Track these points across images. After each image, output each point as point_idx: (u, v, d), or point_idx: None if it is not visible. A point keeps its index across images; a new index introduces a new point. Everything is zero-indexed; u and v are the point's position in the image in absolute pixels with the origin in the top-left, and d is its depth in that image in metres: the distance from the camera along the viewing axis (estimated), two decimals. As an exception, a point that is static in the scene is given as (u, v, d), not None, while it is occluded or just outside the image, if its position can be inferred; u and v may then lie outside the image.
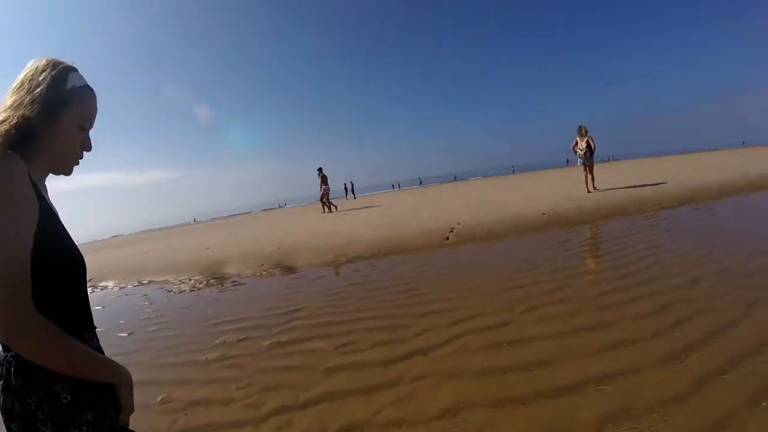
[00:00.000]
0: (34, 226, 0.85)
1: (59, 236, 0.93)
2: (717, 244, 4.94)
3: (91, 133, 1.04)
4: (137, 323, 5.19)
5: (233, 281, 7.03)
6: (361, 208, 16.38)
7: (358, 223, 10.81)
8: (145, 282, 8.28)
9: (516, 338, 3.08)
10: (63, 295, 0.92)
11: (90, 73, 1.03)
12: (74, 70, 0.99)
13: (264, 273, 7.32)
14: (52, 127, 0.94)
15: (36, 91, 0.91)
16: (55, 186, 1.05)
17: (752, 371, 2.26)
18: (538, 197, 10.93)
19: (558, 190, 12.34)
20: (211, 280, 7.33)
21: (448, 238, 7.66)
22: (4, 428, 0.88)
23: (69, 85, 0.96)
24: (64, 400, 0.86)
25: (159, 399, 2.98)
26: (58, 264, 0.91)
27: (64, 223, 0.97)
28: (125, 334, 4.77)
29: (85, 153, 1.04)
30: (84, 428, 0.88)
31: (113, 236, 38.46)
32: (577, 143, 10.65)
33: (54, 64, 0.96)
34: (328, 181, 15.86)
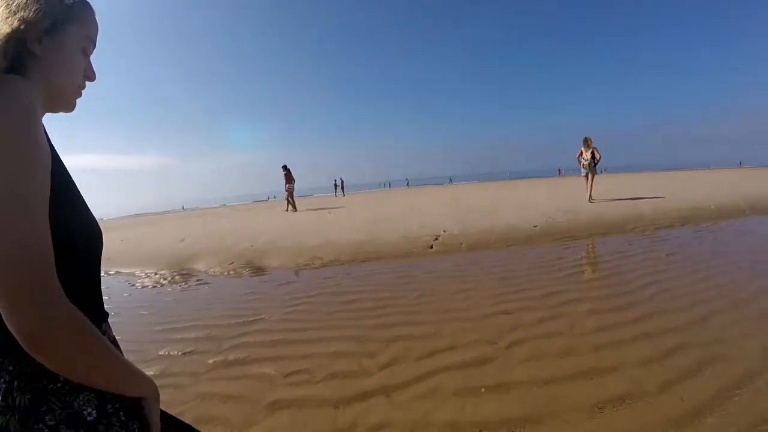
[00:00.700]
0: (49, 183, 0.65)
1: (75, 199, 0.73)
2: (724, 275, 4.49)
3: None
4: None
5: (198, 279, 6.48)
6: (346, 207, 15.86)
7: (341, 224, 10.28)
8: (112, 273, 7.66)
9: (497, 381, 2.58)
10: (79, 276, 0.72)
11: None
12: None
13: (232, 272, 6.77)
14: (51, 51, 0.73)
15: (27, 3, 0.70)
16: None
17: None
18: (531, 207, 10.50)
19: (551, 200, 11.92)
20: (177, 277, 6.77)
21: (432, 247, 7.16)
22: None
23: None
24: (88, 418, 0.66)
25: None
26: (74, 235, 0.71)
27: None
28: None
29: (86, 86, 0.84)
30: None
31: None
32: (581, 153, 10.86)
33: None
34: (293, 179, 15.51)
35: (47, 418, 0.63)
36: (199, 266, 7.38)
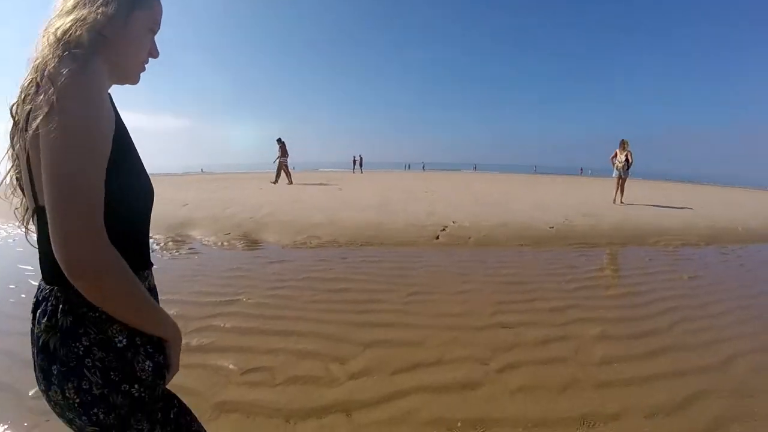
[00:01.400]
0: (111, 142, 0.76)
1: (132, 160, 0.83)
2: (750, 309, 4.00)
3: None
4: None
5: (190, 248, 6.19)
6: (360, 184, 15.46)
7: (349, 202, 9.91)
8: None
9: (479, 415, 2.20)
10: (128, 227, 0.83)
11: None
12: None
13: (226, 244, 6.46)
14: (121, 31, 0.83)
15: None
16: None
17: None
18: (550, 206, 9.93)
19: (572, 201, 11.31)
20: (170, 243, 6.49)
21: (438, 237, 6.74)
22: (39, 370, 0.77)
23: None
24: (118, 344, 0.78)
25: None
26: (129, 190, 0.82)
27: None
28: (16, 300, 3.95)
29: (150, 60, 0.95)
30: (136, 386, 0.79)
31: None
32: (616, 155, 10.93)
33: None
34: (287, 151, 15.31)
35: (83, 339, 0.75)
36: (195, 234, 7.09)
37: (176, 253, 5.86)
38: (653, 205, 10.96)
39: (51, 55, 0.73)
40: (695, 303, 4.12)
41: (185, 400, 0.97)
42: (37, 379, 0.79)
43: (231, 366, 2.68)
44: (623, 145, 10.84)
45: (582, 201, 11.32)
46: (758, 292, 4.59)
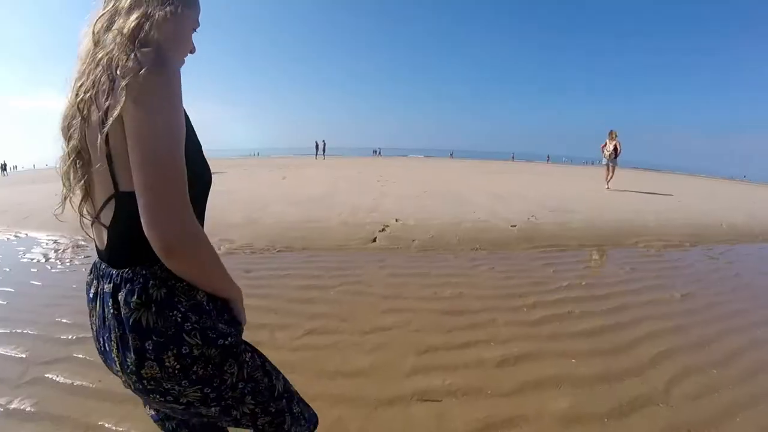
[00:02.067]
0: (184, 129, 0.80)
1: (198, 145, 0.90)
2: (764, 347, 2.91)
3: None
4: None
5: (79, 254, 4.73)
6: (310, 172, 14.02)
7: (286, 193, 8.52)
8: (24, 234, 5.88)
9: None
10: (198, 203, 0.86)
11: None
12: None
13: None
14: (177, 28, 0.87)
15: None
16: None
17: None
18: (515, 199, 8.76)
19: (543, 192, 10.20)
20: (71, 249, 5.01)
21: (375, 240, 5.45)
22: (132, 351, 0.78)
23: None
24: (206, 307, 0.85)
25: None
26: (196, 173, 0.84)
27: None
28: None
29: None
30: (230, 338, 0.87)
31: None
32: (605, 144, 11.49)
33: None
34: None
35: (179, 306, 0.81)
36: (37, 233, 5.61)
37: (70, 263, 4.40)
38: (635, 191, 11.20)
39: (123, 52, 0.75)
40: (695, 340, 3.01)
41: None
42: (123, 364, 0.80)
43: None
44: (612, 135, 11.37)
45: (554, 194, 10.24)
46: (758, 313, 3.53)
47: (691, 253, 5.70)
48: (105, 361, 0.87)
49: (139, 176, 0.72)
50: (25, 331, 2.90)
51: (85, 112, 0.78)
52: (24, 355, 2.58)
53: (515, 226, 6.29)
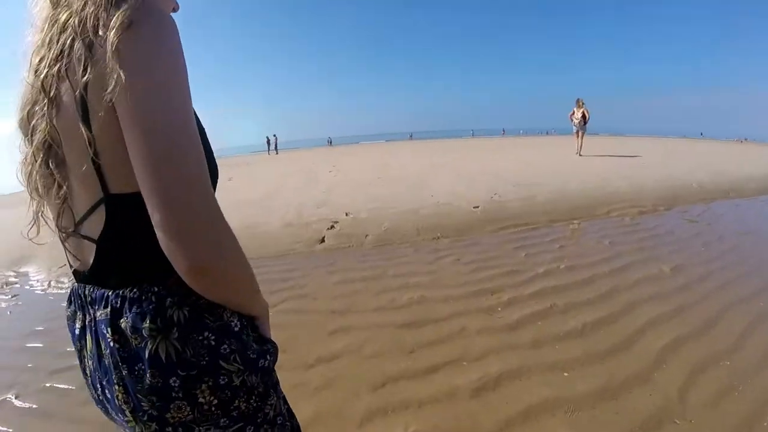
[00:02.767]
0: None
1: (202, 130, 0.65)
2: (761, 313, 2.48)
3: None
4: None
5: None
6: (257, 170, 13.09)
7: (228, 197, 7.64)
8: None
9: None
10: None
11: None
12: None
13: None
14: None
15: None
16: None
17: None
18: (477, 177, 8.24)
19: (504, 167, 9.75)
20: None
21: (323, 240, 4.77)
22: (150, 392, 0.59)
23: None
24: (234, 328, 0.65)
25: None
26: (210, 167, 0.63)
27: None
28: None
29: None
30: (269, 356, 0.70)
31: None
32: (573, 113, 11.71)
33: None
34: None
35: (209, 325, 0.62)
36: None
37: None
38: (604, 155, 11.44)
39: (100, 6, 0.56)
40: (698, 324, 2.59)
41: None
42: (137, 411, 0.61)
43: None
44: (579, 103, 11.60)
45: (519, 167, 9.80)
46: (762, 286, 3.12)
47: (668, 217, 5.32)
48: (107, 413, 0.70)
49: (148, 172, 0.53)
50: None
51: (52, 92, 0.58)
52: None
53: (478, 207, 5.74)
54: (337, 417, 1.91)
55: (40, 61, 0.60)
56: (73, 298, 0.70)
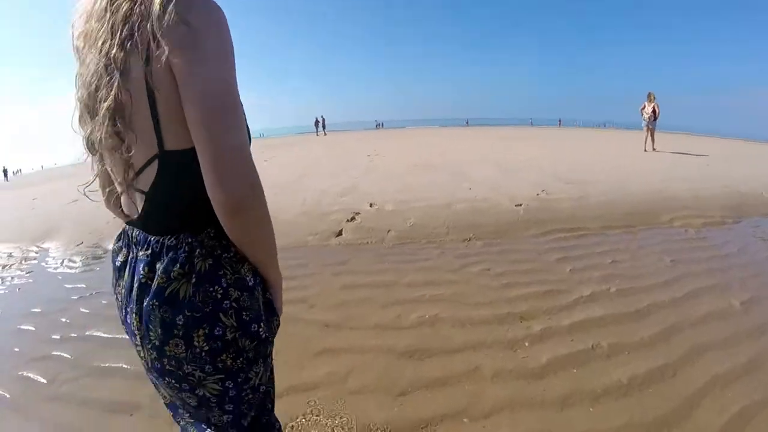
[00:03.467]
0: None
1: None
2: None
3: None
4: None
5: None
6: (301, 150, 12.85)
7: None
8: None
9: None
10: None
11: None
12: None
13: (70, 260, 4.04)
14: None
15: None
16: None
17: None
18: (525, 170, 7.46)
19: (558, 160, 8.86)
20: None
21: (341, 233, 4.33)
22: (159, 323, 0.71)
23: None
24: (249, 283, 0.77)
25: None
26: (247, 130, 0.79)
27: None
28: None
29: None
30: (262, 326, 0.78)
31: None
32: (644, 107, 11.21)
33: None
34: None
35: (222, 281, 0.73)
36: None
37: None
38: (668, 152, 10.61)
39: None
40: None
41: None
42: (145, 339, 0.74)
43: None
44: (650, 97, 11.05)
45: (569, 161, 8.90)
46: None
47: (737, 232, 4.42)
48: (127, 333, 0.81)
49: (203, 130, 0.66)
50: None
51: (121, 66, 0.68)
52: None
53: (521, 205, 5.06)
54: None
55: (103, 42, 0.69)
56: (122, 237, 0.83)
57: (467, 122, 52.56)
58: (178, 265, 0.71)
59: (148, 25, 0.65)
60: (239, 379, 0.76)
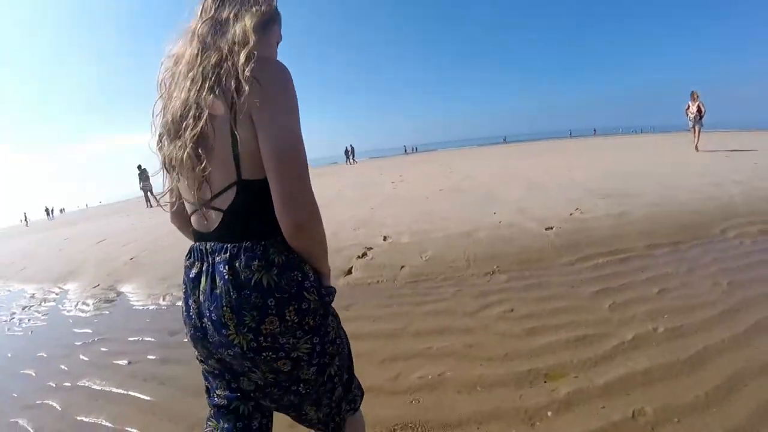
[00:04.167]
0: None
1: None
2: None
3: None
4: None
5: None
6: (327, 180, 12.74)
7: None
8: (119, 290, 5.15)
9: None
10: None
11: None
12: None
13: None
14: (263, 40, 0.96)
15: (256, 4, 0.95)
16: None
17: None
18: (556, 187, 6.89)
19: (593, 173, 8.20)
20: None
21: (350, 271, 3.98)
22: (252, 308, 0.83)
23: (275, 2, 1.02)
24: (311, 277, 0.91)
25: None
26: None
27: None
28: None
29: None
30: (330, 296, 0.96)
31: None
32: (689, 107, 11.15)
33: None
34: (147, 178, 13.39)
35: (295, 271, 0.88)
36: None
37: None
38: (716, 150, 10.15)
39: (242, 51, 0.86)
40: None
41: None
42: (239, 326, 0.84)
43: None
44: (693, 96, 10.96)
45: (607, 172, 8.23)
46: None
47: None
48: (201, 340, 0.91)
49: (274, 168, 0.82)
50: None
51: (208, 105, 0.84)
52: None
53: (551, 228, 4.54)
54: None
55: (193, 82, 0.87)
56: (193, 252, 0.94)
57: (504, 139, 52.03)
58: (257, 260, 0.84)
59: (233, 81, 0.82)
60: (321, 332, 0.91)
